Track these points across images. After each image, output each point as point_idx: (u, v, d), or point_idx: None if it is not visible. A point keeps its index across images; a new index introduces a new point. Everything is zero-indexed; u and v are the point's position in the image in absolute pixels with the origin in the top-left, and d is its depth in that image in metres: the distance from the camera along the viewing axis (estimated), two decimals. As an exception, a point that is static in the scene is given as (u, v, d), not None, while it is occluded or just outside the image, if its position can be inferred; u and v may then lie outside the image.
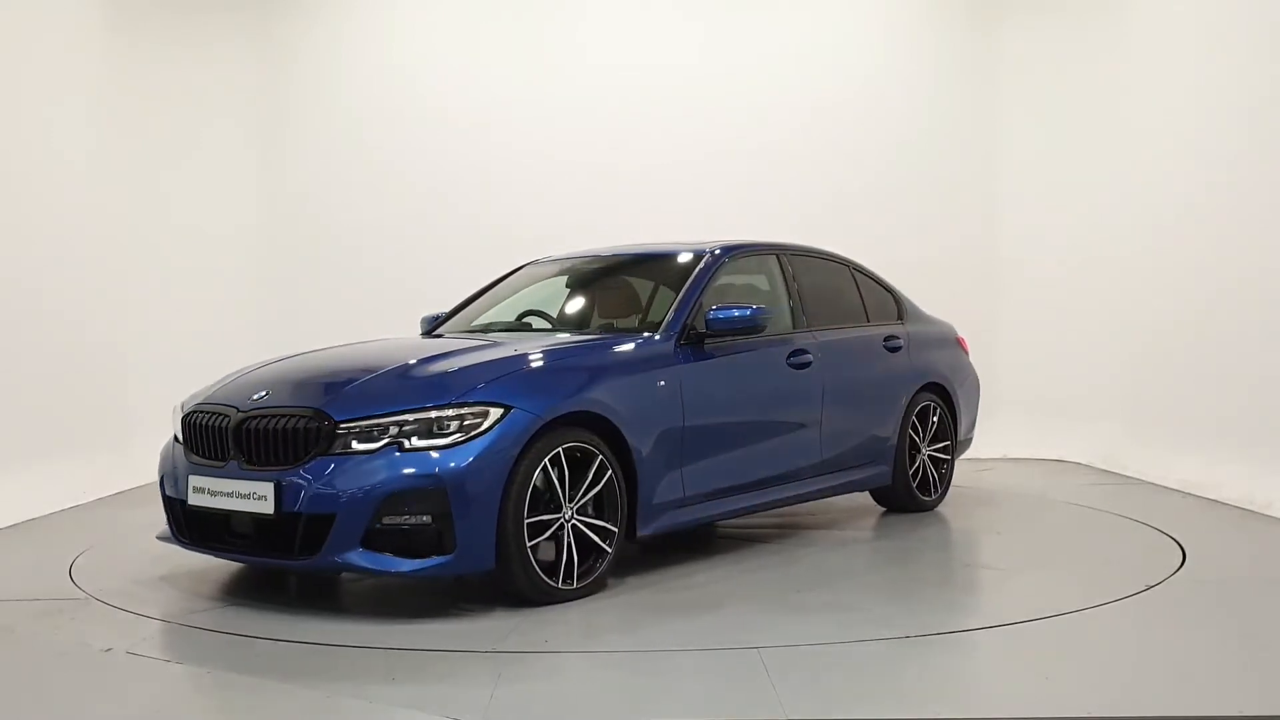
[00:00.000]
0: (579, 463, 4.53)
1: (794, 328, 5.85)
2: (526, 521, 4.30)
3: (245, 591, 4.83)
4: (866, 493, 6.55)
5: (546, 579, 4.38)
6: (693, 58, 9.39)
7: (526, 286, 6.19)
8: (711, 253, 5.65)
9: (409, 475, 4.13)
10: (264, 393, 4.57)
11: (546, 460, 4.36)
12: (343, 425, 4.25)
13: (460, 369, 4.54)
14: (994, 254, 9.41)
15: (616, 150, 9.26)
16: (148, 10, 8.86)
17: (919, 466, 6.51)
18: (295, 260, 9.31)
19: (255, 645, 3.99)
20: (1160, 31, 8.20)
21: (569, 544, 4.46)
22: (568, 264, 6.24)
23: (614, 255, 6.14)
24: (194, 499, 4.55)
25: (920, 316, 6.89)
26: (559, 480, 4.43)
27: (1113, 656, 3.86)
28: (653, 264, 5.86)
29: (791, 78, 9.36)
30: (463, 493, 4.13)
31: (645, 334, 5.16)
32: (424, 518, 4.13)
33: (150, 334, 8.63)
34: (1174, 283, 7.80)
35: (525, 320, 5.88)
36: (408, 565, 4.16)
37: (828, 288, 6.31)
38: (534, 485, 4.33)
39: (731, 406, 5.30)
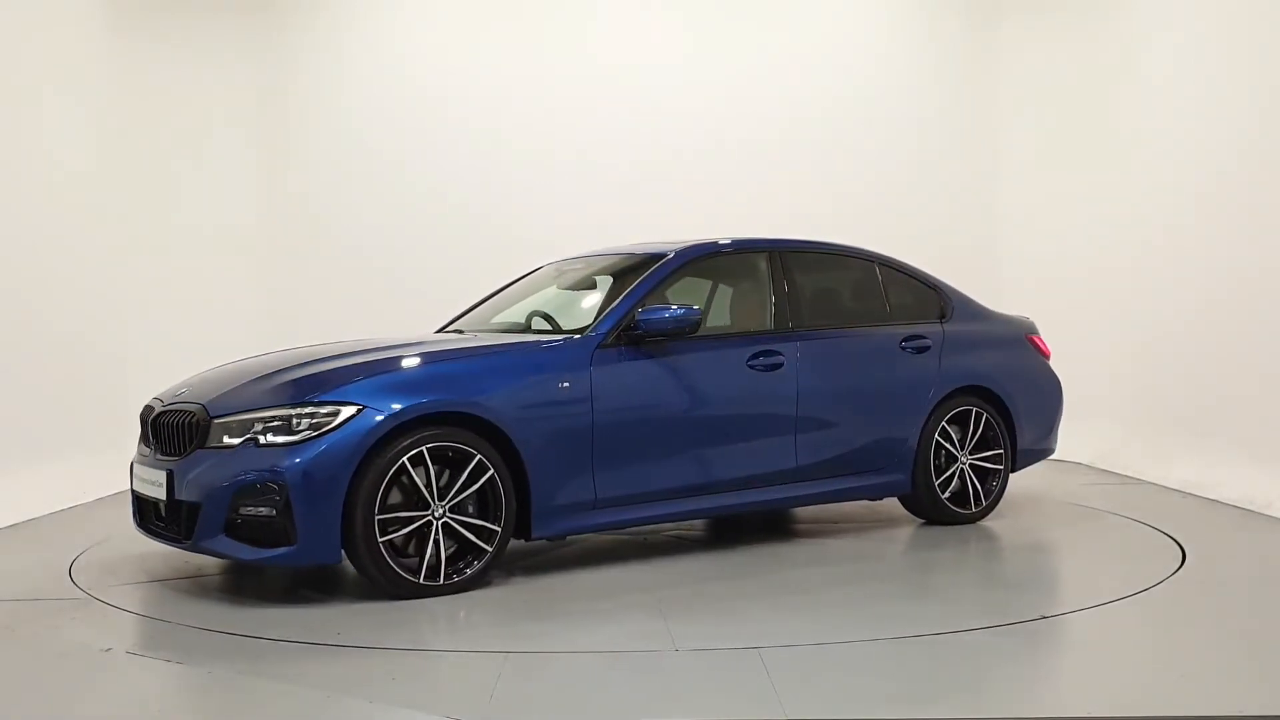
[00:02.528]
0: (457, 462, 4.62)
1: (774, 327, 5.69)
2: (383, 517, 4.45)
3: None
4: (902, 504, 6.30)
5: (405, 574, 4.50)
6: (695, 58, 9.38)
7: (545, 285, 6.13)
8: (674, 253, 5.60)
9: (256, 470, 4.41)
10: (185, 389, 4.98)
11: (406, 459, 4.49)
12: (217, 421, 4.58)
13: (327, 370, 4.74)
14: (994, 255, 9.40)
15: (618, 150, 9.25)
16: (149, 11, 8.85)
17: (953, 476, 6.10)
18: (297, 261, 9.31)
19: (255, 645, 3.99)
20: (1162, 30, 8.19)
21: (435, 540, 4.56)
22: (583, 263, 6.20)
23: (632, 254, 5.96)
24: (134, 485, 5.03)
25: (975, 315, 6.51)
26: (426, 478, 4.54)
27: (1113, 656, 3.86)
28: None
29: (793, 79, 9.37)
30: (302, 488, 4.34)
31: (571, 336, 5.21)
32: (270, 510, 4.37)
33: (151, 334, 8.63)
34: (1174, 283, 7.80)
35: (529, 321, 5.85)
36: (256, 554, 4.44)
37: (835, 286, 6.17)
38: (406, 482, 4.51)
39: (664, 409, 5.22)
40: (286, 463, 4.36)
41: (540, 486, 4.81)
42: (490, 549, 4.67)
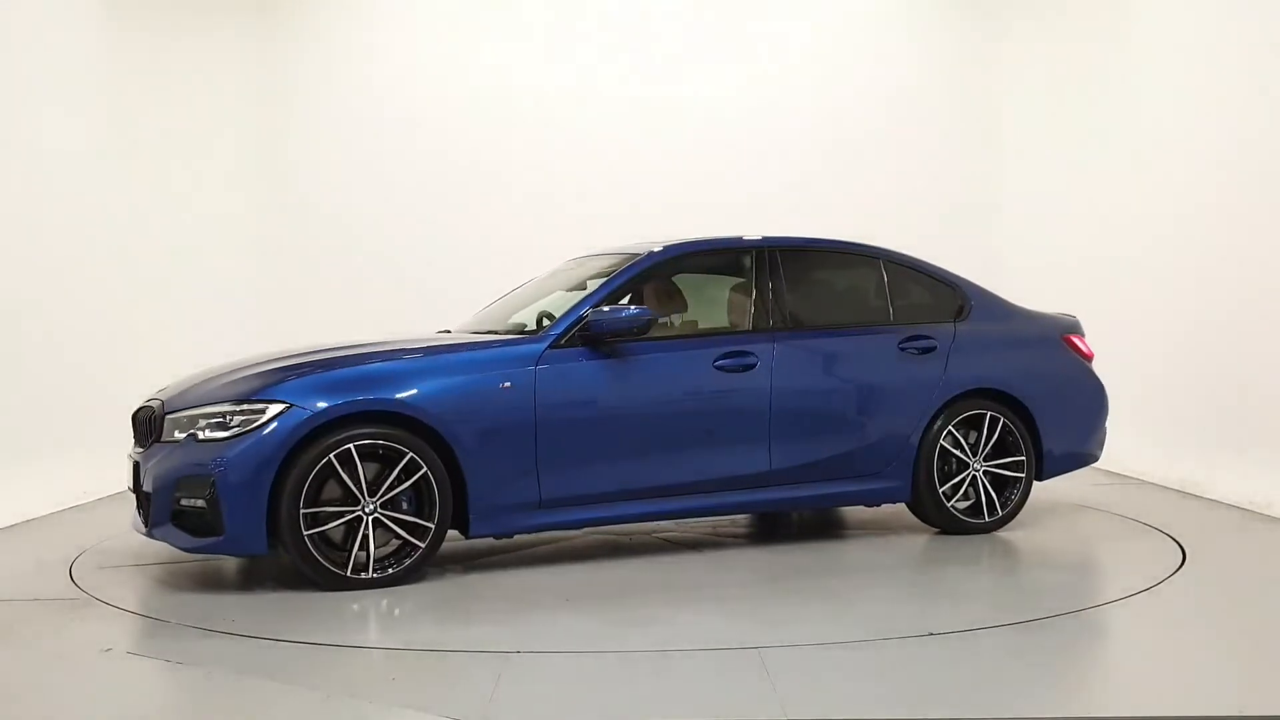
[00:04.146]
0: (394, 459, 4.75)
1: (753, 327, 5.56)
2: (310, 511, 4.61)
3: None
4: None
5: (332, 567, 4.66)
6: (698, 58, 9.40)
7: (561, 284, 6.03)
8: (648, 253, 5.57)
9: (188, 464, 4.68)
10: (166, 387, 5.21)
11: (333, 455, 4.63)
12: (169, 416, 4.86)
13: (267, 370, 4.91)
14: (994, 254, 9.39)
15: (620, 150, 9.26)
16: (149, 11, 8.84)
17: (963, 483, 5.82)
18: (297, 261, 9.30)
19: (255, 645, 3.99)
20: (1170, 25, 8.16)
21: (364, 535, 4.71)
22: (575, 263, 6.17)
23: (636, 254, 5.78)
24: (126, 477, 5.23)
25: (999, 314, 6.16)
26: (354, 475, 4.68)
27: (1113, 656, 3.87)
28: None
29: (794, 78, 9.41)
30: (228, 481, 4.58)
31: (523, 336, 5.28)
32: (202, 501, 4.62)
33: (151, 334, 8.62)
34: (1175, 283, 7.79)
35: (540, 321, 5.79)
36: (191, 543, 4.71)
37: (829, 285, 6.04)
38: (345, 477, 4.67)
39: (618, 409, 5.17)
40: (216, 457, 4.60)
41: (478, 485, 4.88)
42: (423, 545, 4.76)
